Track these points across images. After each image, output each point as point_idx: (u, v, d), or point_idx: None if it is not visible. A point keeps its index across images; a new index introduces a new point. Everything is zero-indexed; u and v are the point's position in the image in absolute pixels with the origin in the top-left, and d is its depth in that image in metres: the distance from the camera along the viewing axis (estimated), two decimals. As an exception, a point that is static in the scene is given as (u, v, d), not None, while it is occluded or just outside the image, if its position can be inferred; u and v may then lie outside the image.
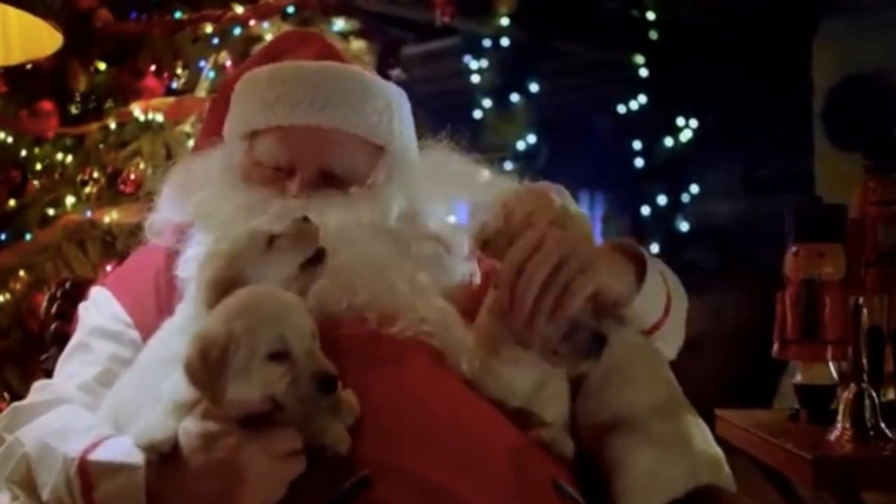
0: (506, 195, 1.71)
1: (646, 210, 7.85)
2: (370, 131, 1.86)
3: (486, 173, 1.94)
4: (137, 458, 1.40)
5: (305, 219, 1.57)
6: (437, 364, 1.62)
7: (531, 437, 1.57)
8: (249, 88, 1.89)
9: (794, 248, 2.51)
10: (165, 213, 1.87)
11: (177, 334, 1.53)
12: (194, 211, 1.80)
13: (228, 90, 1.96)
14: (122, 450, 1.42)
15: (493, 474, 1.46)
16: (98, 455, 1.43)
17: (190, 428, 1.39)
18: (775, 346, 2.52)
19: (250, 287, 1.47)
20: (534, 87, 7.31)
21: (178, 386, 1.40)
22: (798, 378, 2.48)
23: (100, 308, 1.80)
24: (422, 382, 1.58)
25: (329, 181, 1.82)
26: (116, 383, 1.61)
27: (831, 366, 2.46)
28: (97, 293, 1.84)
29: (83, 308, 1.84)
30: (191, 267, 1.68)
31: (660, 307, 1.72)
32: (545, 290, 1.53)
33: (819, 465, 2.03)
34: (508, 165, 6.86)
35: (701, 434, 1.62)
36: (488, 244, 1.69)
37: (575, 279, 1.54)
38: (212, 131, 1.98)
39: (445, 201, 1.93)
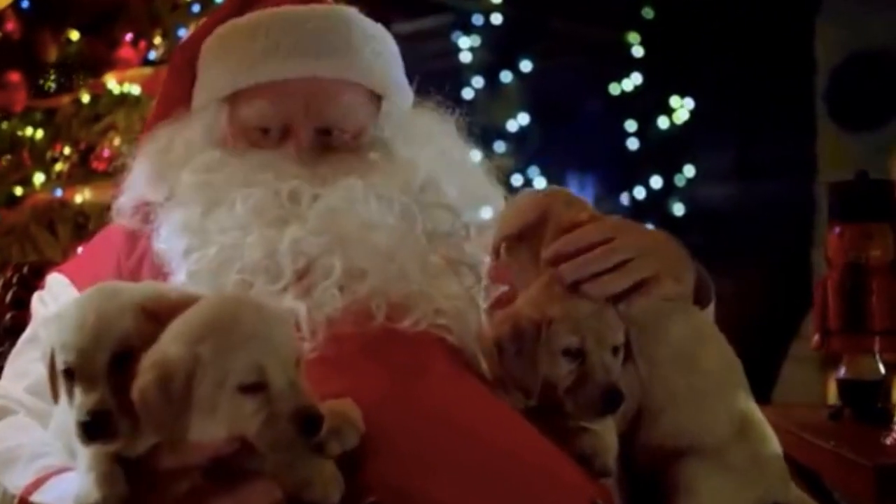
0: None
1: (640, 192, 7.68)
2: (371, 78, 1.70)
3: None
4: None
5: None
6: (455, 365, 1.42)
7: (569, 448, 1.36)
8: (227, 43, 1.70)
9: (836, 229, 2.29)
10: (138, 191, 1.67)
11: None
12: (189, 181, 1.59)
13: (189, 53, 1.76)
14: (68, 490, 1.23)
15: (523, 500, 1.27)
16: (40, 497, 1.29)
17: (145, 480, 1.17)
18: (815, 338, 2.31)
19: (224, 295, 1.26)
20: (526, 66, 7.12)
21: None
22: (841, 372, 2.28)
23: (55, 295, 1.62)
24: (440, 391, 1.37)
25: (326, 139, 1.65)
26: None
27: (878, 359, 2.26)
28: (53, 279, 1.67)
29: (37, 297, 1.67)
30: (170, 238, 1.52)
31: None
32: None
33: (882, 474, 1.83)
34: (500, 146, 6.77)
35: (774, 451, 1.48)
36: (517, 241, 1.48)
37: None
38: (171, 102, 1.76)
39: (454, 170, 1.72)
